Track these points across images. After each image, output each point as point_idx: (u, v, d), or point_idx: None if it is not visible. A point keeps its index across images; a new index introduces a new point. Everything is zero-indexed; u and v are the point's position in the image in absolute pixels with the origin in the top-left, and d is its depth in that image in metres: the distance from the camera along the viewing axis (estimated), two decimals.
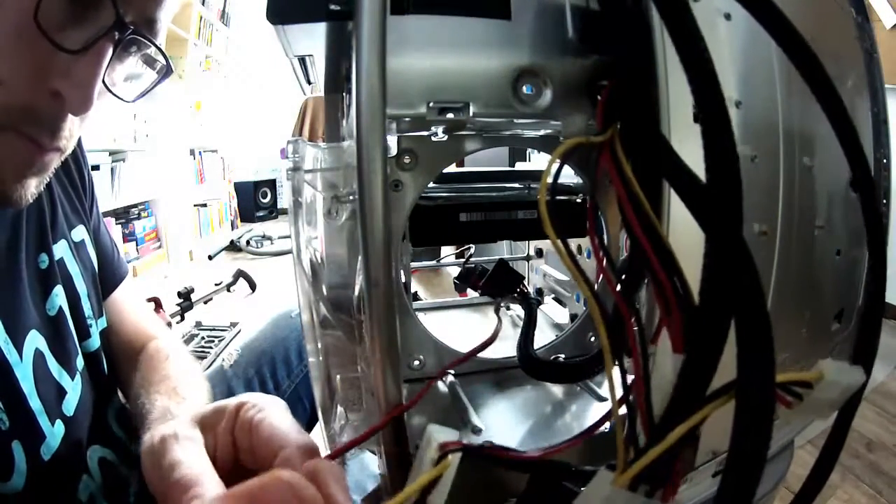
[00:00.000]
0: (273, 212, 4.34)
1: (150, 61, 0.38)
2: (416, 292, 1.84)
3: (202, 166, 3.32)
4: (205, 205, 3.32)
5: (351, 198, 0.29)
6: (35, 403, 0.37)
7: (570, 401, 0.34)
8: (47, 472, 0.37)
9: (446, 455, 0.19)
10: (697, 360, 0.17)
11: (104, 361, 0.48)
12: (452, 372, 0.35)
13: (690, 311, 0.18)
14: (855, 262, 0.31)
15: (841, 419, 0.23)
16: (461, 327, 0.50)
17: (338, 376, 0.33)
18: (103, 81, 0.33)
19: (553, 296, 0.51)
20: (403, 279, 0.38)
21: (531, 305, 0.39)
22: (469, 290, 0.47)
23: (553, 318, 0.47)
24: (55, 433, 0.39)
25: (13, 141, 0.32)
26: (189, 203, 3.07)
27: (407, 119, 0.26)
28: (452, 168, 0.38)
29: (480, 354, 0.36)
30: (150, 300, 1.71)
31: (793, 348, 0.30)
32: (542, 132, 0.33)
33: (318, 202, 0.31)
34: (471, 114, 0.26)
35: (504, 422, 0.31)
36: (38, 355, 0.39)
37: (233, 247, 3.35)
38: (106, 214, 2.31)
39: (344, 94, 0.37)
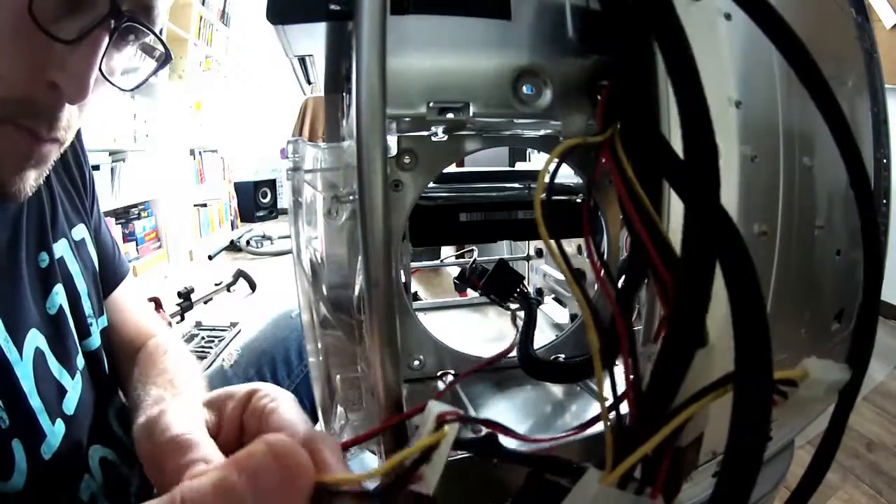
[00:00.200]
0: (273, 212, 4.34)
1: (148, 50, 0.38)
2: (416, 292, 1.84)
3: (202, 166, 3.32)
4: (205, 205, 3.32)
5: (351, 198, 0.29)
6: (35, 402, 0.37)
7: (569, 401, 0.34)
8: (48, 472, 0.37)
9: (443, 425, 0.19)
10: (674, 343, 0.17)
11: (105, 360, 0.48)
12: (452, 372, 0.35)
13: (689, 309, 0.18)
14: (855, 263, 0.31)
15: (837, 417, 0.23)
16: (461, 327, 0.51)
17: (338, 376, 0.33)
18: (101, 70, 0.33)
19: (553, 296, 0.51)
20: (403, 279, 0.38)
21: (531, 305, 0.39)
22: (469, 290, 0.47)
23: (553, 318, 0.47)
24: (55, 432, 0.39)
25: (11, 134, 0.32)
26: (189, 203, 3.07)
27: (407, 119, 0.26)
28: (452, 168, 0.38)
29: (480, 355, 0.36)
30: (150, 300, 1.71)
31: (792, 348, 0.30)
32: (542, 132, 0.33)
33: (318, 202, 0.31)
34: (471, 114, 0.26)
35: (504, 421, 0.31)
36: (39, 354, 0.39)
37: (233, 247, 3.35)
38: (106, 214, 2.29)
39: (344, 94, 0.37)
